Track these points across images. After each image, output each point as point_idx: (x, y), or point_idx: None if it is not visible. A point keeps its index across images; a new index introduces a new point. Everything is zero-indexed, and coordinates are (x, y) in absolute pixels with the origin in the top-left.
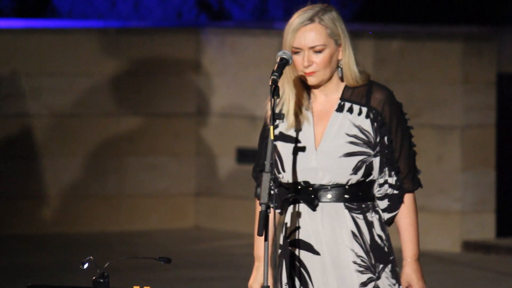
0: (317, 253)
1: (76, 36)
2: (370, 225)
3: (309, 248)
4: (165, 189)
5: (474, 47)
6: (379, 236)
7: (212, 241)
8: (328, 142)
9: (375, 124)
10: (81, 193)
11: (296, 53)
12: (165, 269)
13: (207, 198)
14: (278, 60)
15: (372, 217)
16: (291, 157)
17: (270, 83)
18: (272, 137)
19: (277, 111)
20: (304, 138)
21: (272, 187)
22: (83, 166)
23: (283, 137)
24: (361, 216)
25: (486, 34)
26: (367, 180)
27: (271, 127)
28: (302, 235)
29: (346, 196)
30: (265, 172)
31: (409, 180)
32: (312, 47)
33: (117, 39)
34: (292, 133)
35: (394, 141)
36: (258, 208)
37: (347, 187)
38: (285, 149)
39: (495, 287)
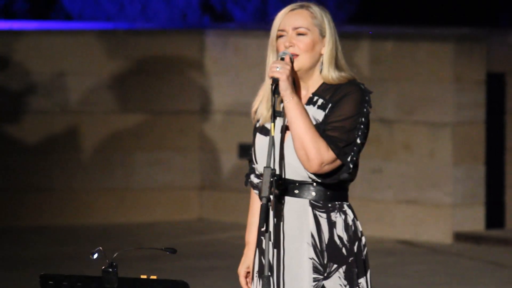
0: (276, 245)
1: (86, 37)
2: (332, 225)
3: (272, 239)
4: (170, 182)
5: (465, 47)
6: (339, 237)
7: (215, 232)
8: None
9: (326, 111)
10: (90, 186)
11: (280, 36)
12: (170, 259)
13: (210, 191)
14: (278, 59)
15: (336, 217)
16: (264, 149)
17: (270, 82)
18: (273, 133)
19: (256, 104)
20: (277, 130)
21: (273, 181)
22: (91, 160)
23: (261, 130)
24: (324, 215)
25: (476, 35)
26: (335, 181)
27: (272, 124)
28: (270, 226)
29: (312, 193)
30: (266, 167)
31: (335, 146)
32: (295, 28)
33: (125, 40)
34: (268, 125)
35: (334, 121)
36: (253, 197)
37: (314, 184)
38: (259, 141)
39: (486, 276)
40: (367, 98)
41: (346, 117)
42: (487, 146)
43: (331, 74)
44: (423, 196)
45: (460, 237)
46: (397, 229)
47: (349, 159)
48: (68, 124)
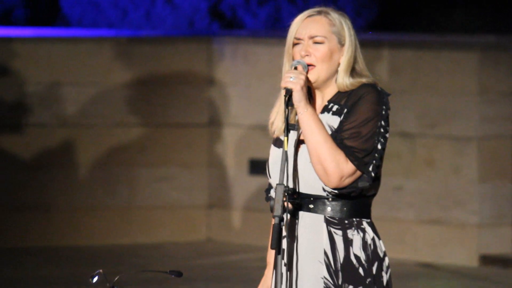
0: (289, 266)
1: (87, 45)
2: (348, 243)
3: (286, 259)
4: (177, 200)
5: (491, 57)
6: (356, 256)
7: (225, 255)
8: (305, 146)
9: (341, 117)
10: (92, 204)
11: (296, 44)
12: (176, 283)
13: (219, 210)
14: (292, 69)
15: (353, 235)
16: (278, 163)
17: (284, 94)
18: (286, 148)
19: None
20: (290, 143)
21: (286, 199)
22: (93, 177)
23: (275, 142)
24: (340, 233)
25: (503, 43)
26: (353, 194)
27: (285, 138)
28: (283, 241)
29: (328, 209)
30: (278, 184)
31: (354, 157)
32: (312, 37)
33: (128, 48)
34: (282, 137)
35: (351, 128)
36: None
37: (330, 199)
38: (273, 154)
39: None
40: (384, 99)
41: (362, 121)
42: None
43: (345, 82)
44: (446, 216)
45: (486, 260)
46: (419, 251)
47: (370, 168)
48: (67, 138)
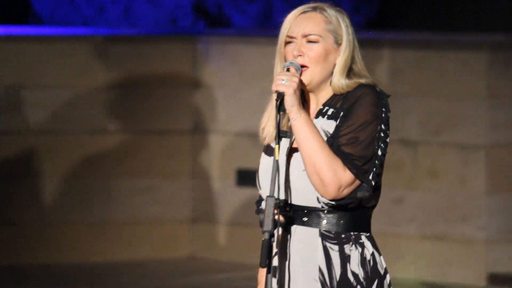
0: (281, 285)
1: (59, 44)
2: (345, 259)
3: (278, 277)
4: (158, 214)
5: (501, 57)
6: (354, 274)
7: (210, 273)
8: (298, 154)
9: (337, 121)
10: (64, 218)
11: (289, 43)
12: None
13: (203, 224)
14: (284, 70)
15: (351, 250)
16: (268, 172)
17: (275, 97)
18: (277, 157)
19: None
20: (282, 151)
21: (277, 213)
22: (66, 189)
23: (266, 149)
24: (336, 248)
25: None
26: (351, 205)
27: (276, 146)
28: (275, 258)
29: (323, 222)
30: (269, 196)
31: (352, 165)
32: (305, 35)
33: (105, 48)
34: (274, 144)
35: (348, 132)
36: None
37: (325, 211)
38: (264, 162)
39: None
40: (384, 101)
41: (360, 125)
42: None
43: (341, 83)
44: (451, 231)
45: (495, 278)
46: (421, 269)
47: (370, 176)
48: (38, 146)
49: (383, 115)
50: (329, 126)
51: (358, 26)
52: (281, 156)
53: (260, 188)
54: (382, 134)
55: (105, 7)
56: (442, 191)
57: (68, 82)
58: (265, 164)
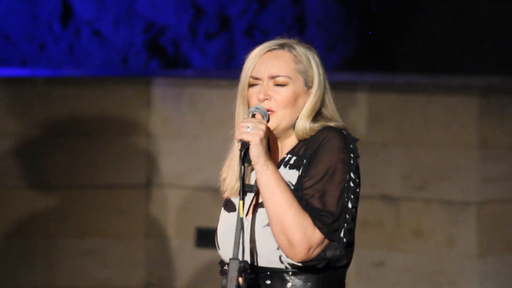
0: None
1: None
2: None
3: None
4: (107, 279)
5: (494, 102)
6: None
7: None
8: (257, 209)
9: (300, 171)
10: (1, 284)
11: (253, 85)
12: None
13: None
14: (249, 117)
15: None
16: (228, 231)
17: (239, 148)
18: (241, 215)
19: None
20: (245, 205)
21: (243, 277)
22: (1, 250)
23: (226, 204)
24: None
25: (508, 86)
26: (320, 265)
27: (240, 202)
28: None
29: (288, 285)
30: (232, 258)
31: (321, 223)
32: (273, 77)
33: (45, 91)
34: (235, 199)
35: (313, 184)
36: None
37: (290, 273)
38: (223, 220)
39: None
40: (351, 146)
41: (325, 174)
42: None
43: (305, 127)
44: None
45: None
46: None
47: (342, 234)
48: None
49: (352, 161)
50: (292, 176)
51: (332, 67)
52: (244, 212)
53: (219, 249)
54: (351, 184)
55: (47, 45)
56: (428, 253)
57: (4, 129)
58: (225, 221)
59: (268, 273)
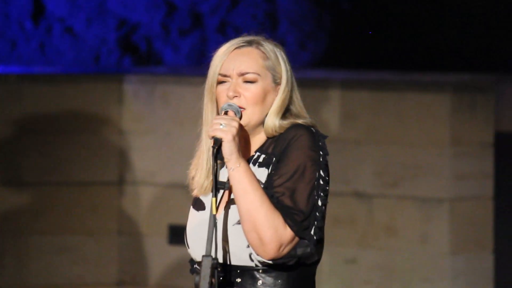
0: None
1: None
2: None
3: None
4: (79, 277)
5: (466, 99)
6: None
7: None
8: (227, 206)
9: (270, 169)
10: None
11: (221, 82)
12: None
13: None
14: (222, 114)
15: None
16: (197, 229)
17: (212, 144)
18: (214, 212)
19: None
20: (210, 203)
21: (215, 275)
22: None
23: (194, 203)
24: None
25: (481, 83)
26: (290, 263)
27: (213, 199)
28: None
29: (258, 283)
30: (205, 256)
31: (292, 221)
32: (242, 74)
33: (17, 89)
34: (204, 198)
35: (283, 183)
36: None
37: (260, 271)
38: (192, 218)
39: None
40: (320, 143)
41: (295, 172)
42: (496, 229)
43: (274, 124)
44: None
45: None
46: None
47: (312, 231)
48: None
49: (321, 159)
50: (261, 175)
51: (304, 64)
52: (212, 209)
53: (189, 247)
54: (321, 182)
55: (18, 43)
56: (400, 250)
57: None
58: (194, 220)
59: (239, 271)
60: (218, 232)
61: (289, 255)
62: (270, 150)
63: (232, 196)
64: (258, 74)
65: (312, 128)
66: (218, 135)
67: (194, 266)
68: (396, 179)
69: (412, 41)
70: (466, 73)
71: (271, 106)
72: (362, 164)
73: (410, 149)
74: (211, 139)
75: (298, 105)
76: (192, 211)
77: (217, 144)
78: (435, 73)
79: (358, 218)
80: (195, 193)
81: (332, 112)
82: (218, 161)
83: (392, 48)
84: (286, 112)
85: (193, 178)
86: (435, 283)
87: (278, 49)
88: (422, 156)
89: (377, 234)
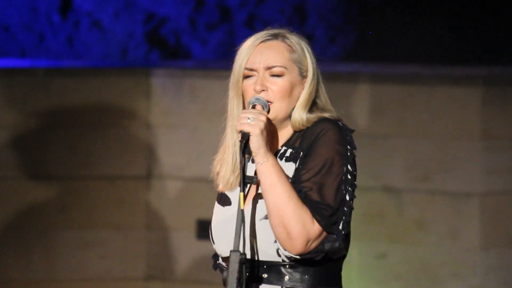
0: None
1: None
2: None
3: None
4: (107, 272)
5: (497, 92)
6: None
7: None
8: (254, 200)
9: (297, 163)
10: None
11: (248, 77)
12: None
13: (159, 283)
14: (249, 108)
15: None
16: (222, 225)
17: (239, 138)
18: (242, 206)
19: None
20: (237, 199)
21: (243, 270)
22: (1, 242)
23: (220, 198)
24: None
25: (511, 77)
26: (317, 258)
27: (241, 194)
28: None
29: (285, 278)
30: (233, 251)
31: (320, 216)
32: (269, 68)
33: (45, 83)
34: (229, 193)
35: (311, 177)
36: None
37: (287, 266)
38: (217, 213)
39: None
40: (347, 137)
41: (322, 166)
42: None
43: (301, 118)
44: None
45: None
46: None
47: (341, 226)
48: None
49: (348, 153)
50: (289, 169)
51: (334, 58)
52: (237, 203)
53: (214, 243)
54: (349, 176)
55: (46, 36)
56: (430, 245)
57: (4, 121)
58: (219, 215)
59: (265, 266)
60: (245, 227)
61: (316, 250)
62: (297, 144)
63: (259, 191)
64: (285, 68)
65: (339, 122)
66: (246, 129)
67: (217, 261)
68: (426, 174)
69: (443, 34)
70: (497, 66)
71: (297, 99)
72: (391, 159)
73: (440, 143)
74: (239, 133)
75: (323, 98)
76: (217, 206)
77: (245, 138)
78: (465, 66)
79: (388, 213)
80: (220, 188)
81: (361, 106)
82: (247, 156)
83: (422, 41)
84: (312, 105)
85: (217, 173)
86: (465, 279)
87: (303, 42)
88: (452, 150)
89: (407, 229)
